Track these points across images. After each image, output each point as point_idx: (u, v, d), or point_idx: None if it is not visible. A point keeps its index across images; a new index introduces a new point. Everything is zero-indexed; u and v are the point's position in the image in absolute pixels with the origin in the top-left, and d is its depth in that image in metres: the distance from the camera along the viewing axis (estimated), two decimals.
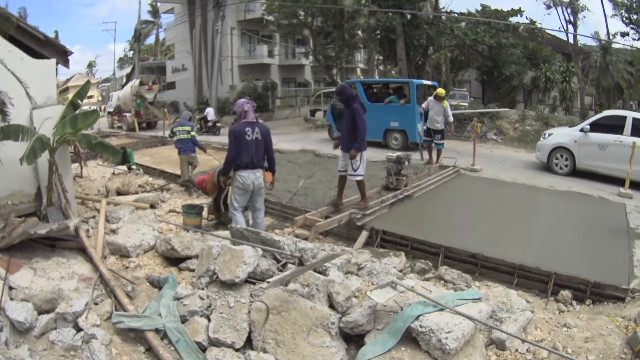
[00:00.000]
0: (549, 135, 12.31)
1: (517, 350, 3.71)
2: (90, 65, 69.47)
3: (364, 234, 6.38)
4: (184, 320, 3.92)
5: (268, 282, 3.98)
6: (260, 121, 6.15)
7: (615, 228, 7.05)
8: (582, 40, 26.16)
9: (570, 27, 23.53)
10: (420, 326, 3.39)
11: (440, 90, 11.58)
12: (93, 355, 3.45)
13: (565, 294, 4.88)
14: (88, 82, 8.63)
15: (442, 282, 5.12)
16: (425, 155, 11.80)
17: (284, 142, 15.68)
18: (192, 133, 9.92)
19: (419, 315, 3.48)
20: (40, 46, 7.05)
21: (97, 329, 3.77)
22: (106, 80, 50.16)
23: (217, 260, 4.35)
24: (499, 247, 5.86)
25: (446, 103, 11.33)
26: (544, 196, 9.01)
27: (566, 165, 11.55)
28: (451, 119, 11.46)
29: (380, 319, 3.77)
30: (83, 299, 4.14)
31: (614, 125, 10.79)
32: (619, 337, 3.96)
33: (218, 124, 21.87)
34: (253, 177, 5.77)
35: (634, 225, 7.24)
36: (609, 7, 23.79)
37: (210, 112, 22.57)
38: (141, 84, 25.88)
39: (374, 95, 15.47)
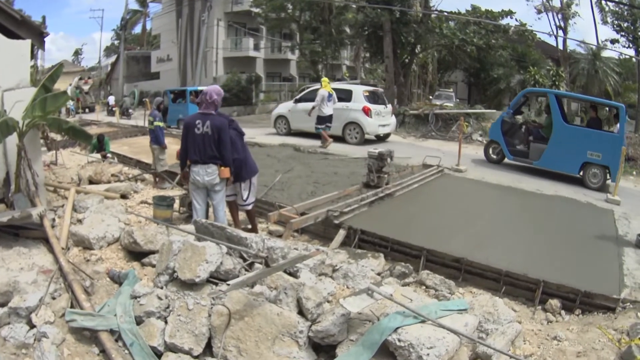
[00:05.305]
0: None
1: None
2: (77, 53, 69.43)
3: (341, 233, 6.03)
4: (139, 321, 3.64)
5: (228, 284, 3.62)
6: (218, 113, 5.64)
7: (604, 235, 6.82)
8: (571, 46, 26.32)
9: (560, 33, 23.60)
10: (399, 340, 3.08)
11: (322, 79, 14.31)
12: (43, 355, 3.26)
13: (554, 303, 4.59)
14: (61, 65, 8.41)
15: (424, 287, 4.78)
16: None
17: (264, 135, 15.46)
18: (156, 123, 9.55)
19: (398, 327, 3.14)
20: (15, 26, 6.77)
21: (49, 327, 3.56)
22: (92, 68, 50.90)
23: (178, 257, 4.02)
24: (484, 251, 5.53)
25: (320, 91, 13.10)
26: (531, 200, 8.80)
27: (285, 128, 15.73)
28: (314, 104, 13.19)
29: (355, 329, 3.41)
30: (39, 293, 3.95)
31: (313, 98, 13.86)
32: (613, 351, 3.72)
33: (114, 109, 28.64)
34: (203, 172, 5.41)
35: (623, 233, 7.02)
36: (599, 14, 23.83)
37: (110, 99, 31.94)
38: (80, 79, 36.42)
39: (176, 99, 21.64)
